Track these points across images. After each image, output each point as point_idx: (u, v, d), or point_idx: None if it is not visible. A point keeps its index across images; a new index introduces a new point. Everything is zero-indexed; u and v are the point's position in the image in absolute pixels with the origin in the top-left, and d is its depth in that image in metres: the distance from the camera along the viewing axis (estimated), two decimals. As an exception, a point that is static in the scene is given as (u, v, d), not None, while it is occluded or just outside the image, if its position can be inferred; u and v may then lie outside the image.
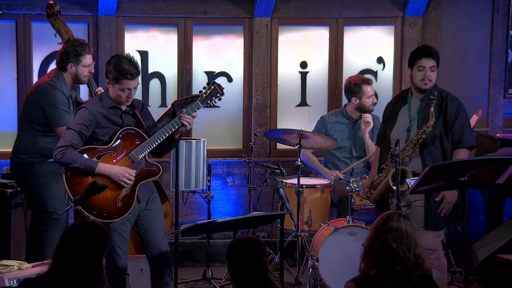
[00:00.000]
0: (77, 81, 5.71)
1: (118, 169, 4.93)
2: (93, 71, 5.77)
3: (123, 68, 4.91)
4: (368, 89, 6.76)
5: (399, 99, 5.64)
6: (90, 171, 4.86)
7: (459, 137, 5.44)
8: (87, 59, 5.66)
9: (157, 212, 5.19)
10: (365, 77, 6.97)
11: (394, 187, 5.32)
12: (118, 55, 5.14)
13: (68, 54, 5.63)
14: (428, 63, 5.44)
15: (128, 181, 4.94)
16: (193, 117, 5.14)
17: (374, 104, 6.85)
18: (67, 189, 4.87)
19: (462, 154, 5.43)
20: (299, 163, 6.25)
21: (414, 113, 5.48)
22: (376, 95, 6.92)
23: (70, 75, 5.66)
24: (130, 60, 4.98)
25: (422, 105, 5.46)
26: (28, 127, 5.68)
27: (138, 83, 5.05)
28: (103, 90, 5.54)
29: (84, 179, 4.89)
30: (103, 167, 4.89)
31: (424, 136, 5.35)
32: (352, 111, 6.83)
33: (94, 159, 4.91)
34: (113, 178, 4.90)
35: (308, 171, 7.12)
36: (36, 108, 5.61)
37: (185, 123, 5.09)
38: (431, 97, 5.35)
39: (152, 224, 5.13)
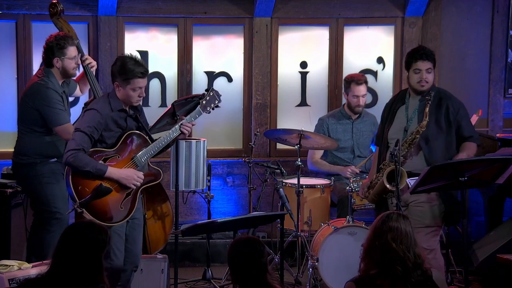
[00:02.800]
0: (65, 75, 5.71)
1: (127, 172, 4.99)
2: (79, 62, 5.76)
3: (132, 68, 4.96)
4: (355, 88, 6.72)
5: (397, 99, 5.66)
6: (100, 175, 4.89)
7: (469, 133, 5.49)
8: (71, 51, 5.67)
9: (141, 224, 5.31)
10: (360, 76, 6.91)
11: (388, 187, 5.35)
12: (122, 56, 5.16)
13: (52, 49, 5.65)
14: (424, 65, 5.45)
15: (137, 184, 5.01)
16: (192, 125, 5.24)
17: (360, 106, 6.77)
18: (73, 189, 4.89)
19: (472, 147, 5.46)
20: (299, 163, 6.25)
21: (411, 113, 5.50)
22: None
23: (58, 70, 5.67)
24: (136, 59, 5.03)
25: (421, 105, 5.46)
26: (27, 128, 5.69)
27: (147, 82, 5.10)
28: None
29: (88, 181, 4.91)
30: (113, 171, 4.93)
31: (418, 136, 5.36)
32: (348, 110, 6.83)
33: (101, 161, 4.95)
34: (122, 182, 4.95)
35: (308, 171, 7.12)
36: (32, 110, 5.62)
37: (185, 131, 5.21)
38: (427, 97, 5.37)
39: (136, 233, 5.22)
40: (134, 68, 4.96)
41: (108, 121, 5.00)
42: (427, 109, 5.34)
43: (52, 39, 5.69)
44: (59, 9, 5.99)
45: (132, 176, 4.98)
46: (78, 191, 4.89)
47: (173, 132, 5.16)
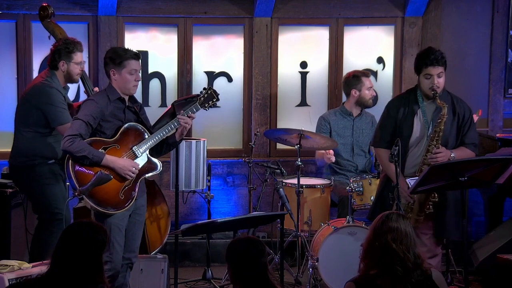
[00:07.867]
0: (69, 79, 5.74)
1: (124, 162, 5.04)
2: (84, 69, 5.81)
3: (124, 52, 5.11)
4: (367, 81, 6.80)
5: (409, 104, 5.53)
6: (97, 162, 4.95)
7: (470, 140, 5.48)
8: (78, 56, 5.72)
9: (142, 221, 5.32)
10: (363, 70, 6.99)
11: None
12: (112, 47, 5.40)
13: (59, 52, 5.68)
14: (435, 70, 5.39)
15: (132, 175, 5.05)
16: (191, 118, 5.24)
17: (374, 98, 6.86)
18: (74, 177, 4.91)
19: (467, 152, 5.44)
20: (299, 163, 6.25)
21: (429, 118, 5.46)
22: (377, 96, 6.94)
23: (62, 73, 5.70)
24: (124, 47, 5.27)
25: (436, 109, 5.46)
26: (27, 129, 5.68)
27: (140, 66, 5.20)
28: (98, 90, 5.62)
29: (88, 170, 4.96)
30: (110, 159, 4.99)
31: (442, 126, 5.34)
32: (352, 107, 6.84)
33: (101, 150, 4.99)
34: (118, 172, 5.01)
35: (308, 171, 7.12)
36: (34, 110, 5.62)
37: (183, 123, 5.18)
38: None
39: (137, 229, 5.24)
40: (126, 51, 5.12)
41: (105, 111, 5.06)
42: (438, 100, 5.32)
43: (61, 42, 5.72)
44: (50, 12, 6.04)
45: (127, 166, 5.02)
46: (78, 180, 4.94)
47: (173, 123, 5.19)
